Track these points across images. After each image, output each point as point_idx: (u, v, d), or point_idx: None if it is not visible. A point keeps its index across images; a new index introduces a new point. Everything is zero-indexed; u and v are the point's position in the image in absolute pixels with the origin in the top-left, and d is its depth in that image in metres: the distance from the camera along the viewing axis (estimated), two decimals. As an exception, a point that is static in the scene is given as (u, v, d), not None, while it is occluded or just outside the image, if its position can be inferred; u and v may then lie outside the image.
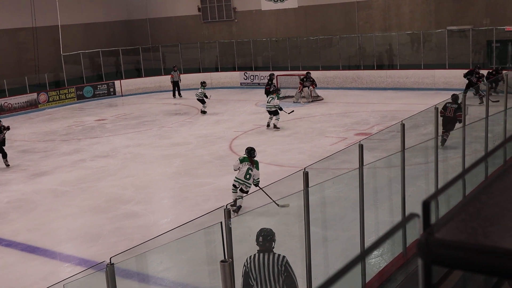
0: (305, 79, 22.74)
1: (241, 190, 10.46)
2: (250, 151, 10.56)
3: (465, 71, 20.63)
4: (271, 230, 5.87)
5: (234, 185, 10.58)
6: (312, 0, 28.30)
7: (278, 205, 8.42)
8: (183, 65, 30.20)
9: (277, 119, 17.62)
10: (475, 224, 1.20)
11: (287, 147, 15.36)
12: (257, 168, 10.55)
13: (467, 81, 19.87)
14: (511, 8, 23.58)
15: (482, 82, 18.73)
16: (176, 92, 27.01)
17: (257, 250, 5.71)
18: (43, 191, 13.00)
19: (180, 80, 27.15)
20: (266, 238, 5.76)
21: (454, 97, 13.20)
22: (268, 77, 23.01)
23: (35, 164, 15.57)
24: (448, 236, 1.17)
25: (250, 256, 5.69)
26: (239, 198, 10.29)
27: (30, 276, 8.75)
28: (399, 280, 6.43)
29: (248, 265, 5.67)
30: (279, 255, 5.72)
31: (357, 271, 6.09)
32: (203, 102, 21.37)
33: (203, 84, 21.71)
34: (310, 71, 23.61)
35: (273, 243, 5.80)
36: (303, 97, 22.62)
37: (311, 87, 22.64)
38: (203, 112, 21.24)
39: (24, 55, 29.20)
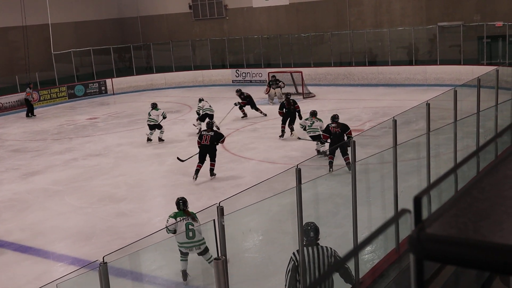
0: (270, 83, 22.33)
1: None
2: (185, 202, 8.08)
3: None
4: (314, 223, 5.87)
5: (181, 252, 7.73)
6: (303, -3, 28.33)
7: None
8: (175, 63, 30.13)
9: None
10: (466, 219, 1.20)
11: (280, 144, 15.36)
12: (197, 221, 7.83)
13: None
14: (501, 4, 23.70)
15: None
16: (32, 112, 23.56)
17: (304, 245, 5.62)
18: (35, 190, 12.94)
19: (33, 99, 24.21)
20: (316, 231, 5.76)
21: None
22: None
23: (27, 163, 15.48)
24: (439, 231, 1.17)
25: (298, 251, 5.60)
26: None
27: (23, 276, 8.72)
28: (392, 276, 6.45)
29: (297, 260, 5.57)
30: (327, 247, 5.66)
31: (350, 267, 6.10)
32: (159, 127, 16.69)
33: (154, 106, 16.76)
34: (275, 74, 23.23)
35: (318, 235, 5.81)
36: (271, 98, 21.98)
37: (280, 85, 22.13)
38: (161, 140, 16.59)
39: (15, 54, 29.02)
